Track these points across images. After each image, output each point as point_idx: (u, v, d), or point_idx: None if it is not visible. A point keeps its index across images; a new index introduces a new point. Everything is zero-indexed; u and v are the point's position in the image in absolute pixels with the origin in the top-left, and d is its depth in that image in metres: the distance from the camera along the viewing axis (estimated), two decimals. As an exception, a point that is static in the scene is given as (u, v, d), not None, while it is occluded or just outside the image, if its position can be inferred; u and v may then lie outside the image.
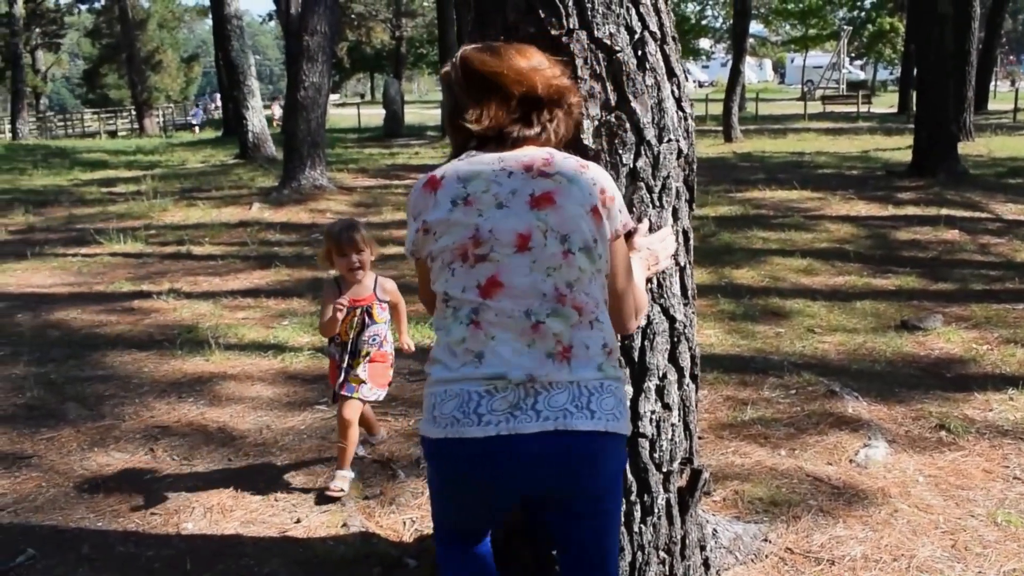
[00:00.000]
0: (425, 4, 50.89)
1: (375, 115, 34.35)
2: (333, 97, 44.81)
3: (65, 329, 6.55)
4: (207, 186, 14.86)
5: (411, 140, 26.07)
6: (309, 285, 7.70)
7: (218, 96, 41.74)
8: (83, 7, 50.55)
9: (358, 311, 3.83)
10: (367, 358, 3.86)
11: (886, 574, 3.14)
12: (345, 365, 3.85)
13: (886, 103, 37.25)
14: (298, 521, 3.62)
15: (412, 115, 35.69)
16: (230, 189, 14.47)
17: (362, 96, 73.38)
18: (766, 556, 3.25)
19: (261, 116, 19.00)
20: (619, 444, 2.14)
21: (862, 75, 58.22)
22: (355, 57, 56.44)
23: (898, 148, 17.80)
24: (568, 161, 2.15)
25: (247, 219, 11.52)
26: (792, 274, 7.80)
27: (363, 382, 3.86)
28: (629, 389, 2.67)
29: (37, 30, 46.86)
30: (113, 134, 42.22)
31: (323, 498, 3.79)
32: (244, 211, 12.16)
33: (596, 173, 2.15)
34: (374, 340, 3.86)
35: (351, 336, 3.85)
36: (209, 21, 35.89)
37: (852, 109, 32.26)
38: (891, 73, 54.93)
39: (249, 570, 3.23)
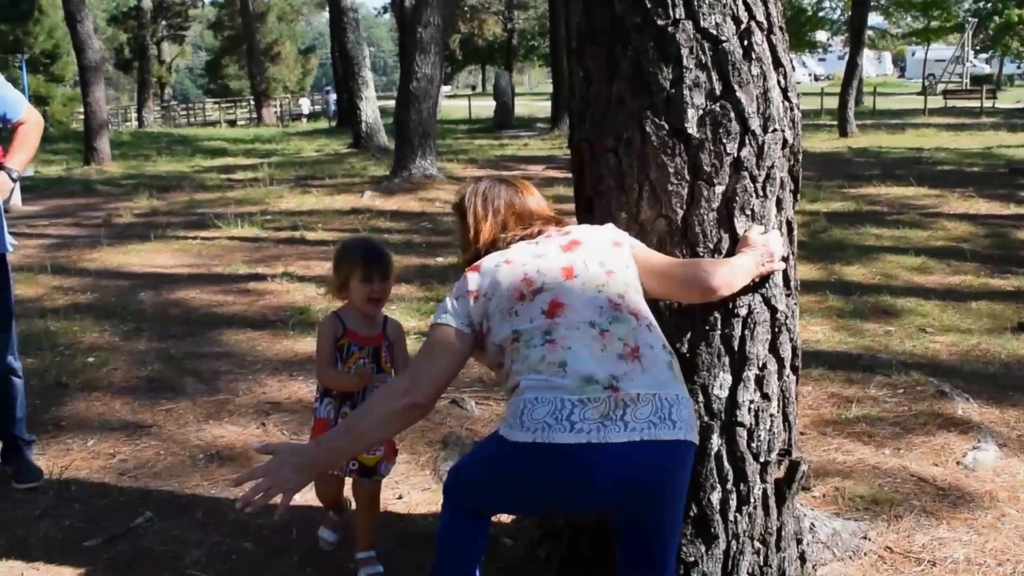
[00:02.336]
0: (537, -4, 51.01)
1: (486, 107, 34.62)
2: (444, 89, 45.32)
3: (184, 308, 6.84)
4: (321, 174, 15.23)
5: (520, 132, 26.21)
6: (417, 272, 7.85)
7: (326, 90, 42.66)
8: (206, 0, 52.25)
9: (366, 353, 3.09)
10: None
11: (990, 578, 3.07)
12: None
13: (1012, 98, 35.84)
14: (400, 497, 3.73)
15: (522, 107, 35.86)
16: (343, 177, 14.80)
17: (473, 88, 73.93)
18: (865, 554, 3.21)
19: (375, 107, 19.34)
20: (692, 453, 2.31)
21: (987, 69, 55.96)
22: (467, 49, 56.91)
23: (1022, 145, 17.10)
24: (579, 224, 2.65)
25: (359, 207, 11.78)
26: (905, 272, 7.60)
27: (379, 460, 3.11)
28: (728, 378, 2.68)
29: (163, 23, 48.63)
30: (233, 123, 43.62)
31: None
32: (356, 199, 12.44)
33: (606, 227, 2.58)
34: None
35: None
36: (326, 14, 36.68)
37: (976, 104, 31.14)
38: (1019, 67, 52.71)
39: (353, 540, 3.35)
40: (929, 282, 7.26)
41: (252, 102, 45.96)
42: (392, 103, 15.97)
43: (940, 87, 40.64)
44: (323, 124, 35.62)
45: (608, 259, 2.43)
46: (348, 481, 3.23)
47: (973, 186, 12.20)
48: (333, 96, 42.09)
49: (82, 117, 20.26)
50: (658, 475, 2.22)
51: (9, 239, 3.81)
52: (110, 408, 4.76)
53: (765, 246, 2.60)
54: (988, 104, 30.81)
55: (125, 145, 23.49)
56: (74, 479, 3.93)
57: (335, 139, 24.37)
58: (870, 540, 3.30)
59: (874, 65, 64.58)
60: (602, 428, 2.14)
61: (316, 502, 3.49)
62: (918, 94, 38.54)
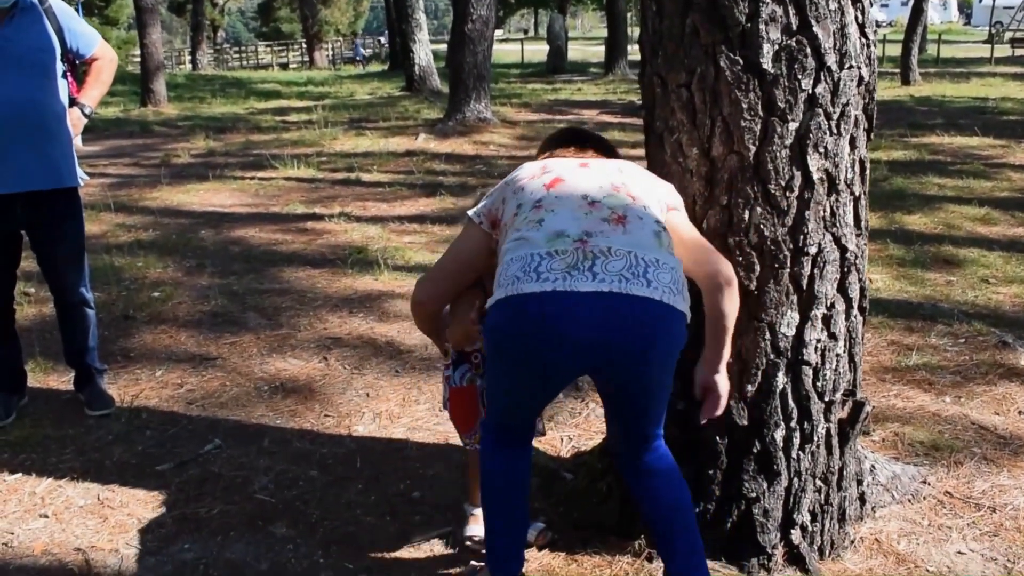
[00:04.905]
0: (592, -61, 50.13)
1: (538, 51, 34.27)
2: (497, 33, 45.02)
3: (245, 245, 6.94)
4: (375, 117, 15.25)
5: (574, 76, 25.96)
6: (472, 214, 7.87)
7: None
8: (260, -58, 52.13)
9: None
10: None
11: (1052, 524, 3.06)
12: None
13: (1083, 48, 34.59)
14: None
15: (575, 51, 35.45)
16: (397, 120, 14.81)
17: (525, 32, 73.22)
18: (924, 498, 3.21)
19: (428, 50, 19.25)
20: (675, 319, 2.20)
21: (1058, 17, 54.13)
22: (520, -8, 56.30)
23: (1094, 96, 16.61)
24: (647, 160, 2.77)
25: (413, 149, 11.80)
26: (968, 222, 7.46)
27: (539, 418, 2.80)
28: (795, 316, 2.67)
29: (217, -36, 48.70)
30: (285, 66, 43.71)
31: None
32: (410, 141, 12.45)
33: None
34: None
35: None
36: (379, -45, 36.44)
37: (1045, 54, 30.17)
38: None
39: (415, 471, 3.42)
40: (993, 233, 7.13)
41: (304, 45, 45.94)
42: (443, 47, 15.85)
43: (1008, 35, 39.40)
44: (374, 68, 35.49)
45: (627, 168, 2.51)
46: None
47: (1040, 137, 11.90)
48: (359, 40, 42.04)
49: (136, 59, 20.40)
50: (632, 332, 2.14)
51: (80, 172, 3.89)
52: (176, 340, 4.88)
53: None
54: (1057, 53, 29.86)
55: (180, 87, 23.65)
56: (144, 407, 4.05)
57: (387, 82, 24.33)
58: (929, 485, 3.29)
59: (939, 11, 62.70)
60: (568, 277, 2.15)
61: (380, 434, 3.56)
62: (984, 42, 37.43)
